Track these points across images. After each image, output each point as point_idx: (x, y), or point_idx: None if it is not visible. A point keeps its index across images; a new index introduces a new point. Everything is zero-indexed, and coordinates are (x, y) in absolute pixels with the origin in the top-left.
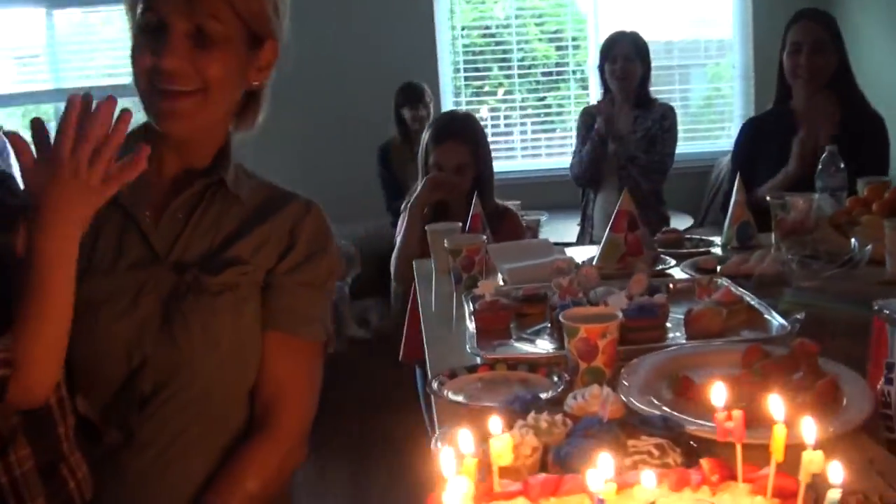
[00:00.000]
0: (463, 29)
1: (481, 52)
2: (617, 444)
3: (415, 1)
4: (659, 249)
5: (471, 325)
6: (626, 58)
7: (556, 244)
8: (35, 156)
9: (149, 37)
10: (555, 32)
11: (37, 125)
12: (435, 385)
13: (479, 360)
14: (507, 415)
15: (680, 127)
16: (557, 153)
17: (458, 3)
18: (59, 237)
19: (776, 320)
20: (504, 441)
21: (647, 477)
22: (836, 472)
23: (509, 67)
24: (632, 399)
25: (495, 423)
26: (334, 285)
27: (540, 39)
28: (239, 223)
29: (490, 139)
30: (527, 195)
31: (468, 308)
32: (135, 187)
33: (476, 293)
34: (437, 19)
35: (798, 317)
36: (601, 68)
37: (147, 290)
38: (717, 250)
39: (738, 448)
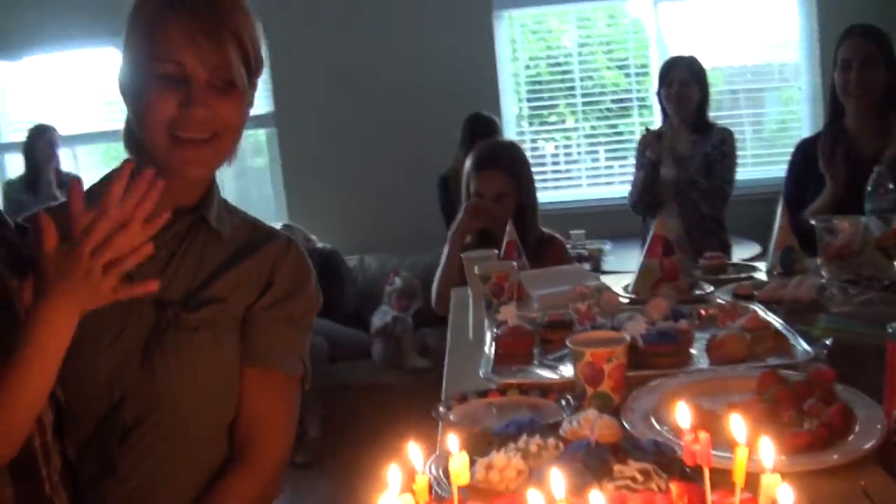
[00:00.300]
0: (530, 59)
1: (546, 82)
2: (603, 469)
3: (477, 32)
4: (702, 275)
5: (489, 350)
6: (681, 82)
7: (615, 272)
8: (56, 244)
9: (168, 85)
10: (623, 60)
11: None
12: (441, 409)
13: (493, 385)
14: (502, 438)
15: (753, 152)
16: (624, 181)
17: (521, 34)
18: (56, 321)
19: (801, 346)
20: (462, 460)
21: (595, 498)
22: (786, 497)
23: (573, 96)
24: (629, 423)
25: (452, 441)
26: (312, 321)
27: (608, 67)
28: (220, 261)
29: (554, 168)
30: (592, 224)
31: (490, 334)
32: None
33: (499, 319)
34: (498, 50)
35: (826, 342)
36: (659, 93)
37: (130, 327)
38: (762, 276)
39: (706, 472)
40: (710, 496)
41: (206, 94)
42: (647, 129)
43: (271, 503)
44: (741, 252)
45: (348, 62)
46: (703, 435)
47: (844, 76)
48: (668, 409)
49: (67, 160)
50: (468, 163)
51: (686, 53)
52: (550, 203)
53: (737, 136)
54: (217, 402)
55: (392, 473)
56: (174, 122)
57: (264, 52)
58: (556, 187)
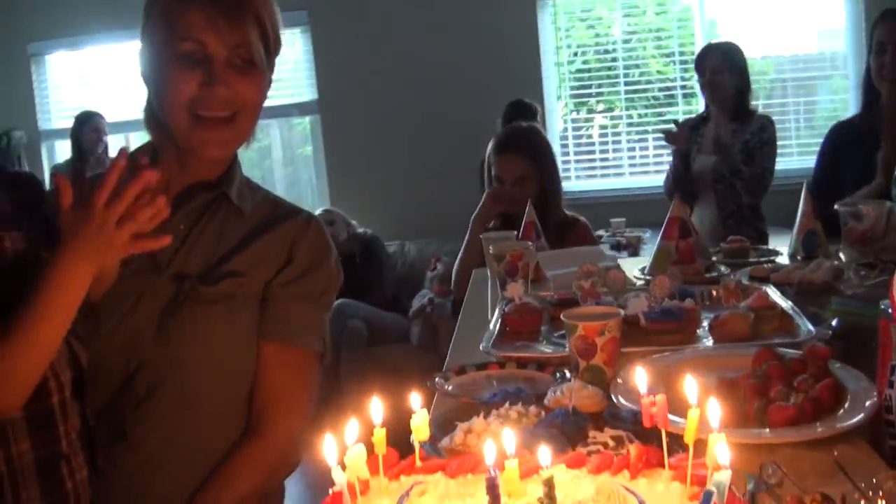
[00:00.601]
0: (578, 47)
1: (593, 70)
2: (579, 435)
3: (521, 19)
4: (723, 259)
5: (493, 326)
6: (713, 70)
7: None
8: (73, 199)
9: (189, 65)
10: (670, 49)
11: (75, 176)
12: (438, 379)
13: (493, 358)
14: (487, 406)
15: (799, 141)
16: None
17: (568, 21)
18: (69, 274)
19: (805, 326)
20: (422, 417)
21: (543, 453)
22: (724, 453)
23: (615, 84)
24: (615, 395)
25: (415, 399)
26: (331, 299)
27: (654, 56)
28: (240, 237)
29: (601, 157)
30: (634, 212)
31: (499, 310)
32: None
33: (505, 296)
34: (543, 38)
35: (832, 323)
36: (699, 82)
37: (146, 298)
38: (785, 260)
39: (664, 434)
40: (667, 458)
41: (228, 72)
42: (676, 122)
43: (284, 479)
44: (779, 242)
45: (391, 50)
46: (660, 397)
47: (879, 59)
48: (659, 384)
49: (121, 146)
50: (490, 147)
51: (727, 40)
52: (594, 191)
53: (786, 125)
54: (231, 376)
55: (350, 425)
56: (195, 101)
57: (307, 40)
58: (603, 175)
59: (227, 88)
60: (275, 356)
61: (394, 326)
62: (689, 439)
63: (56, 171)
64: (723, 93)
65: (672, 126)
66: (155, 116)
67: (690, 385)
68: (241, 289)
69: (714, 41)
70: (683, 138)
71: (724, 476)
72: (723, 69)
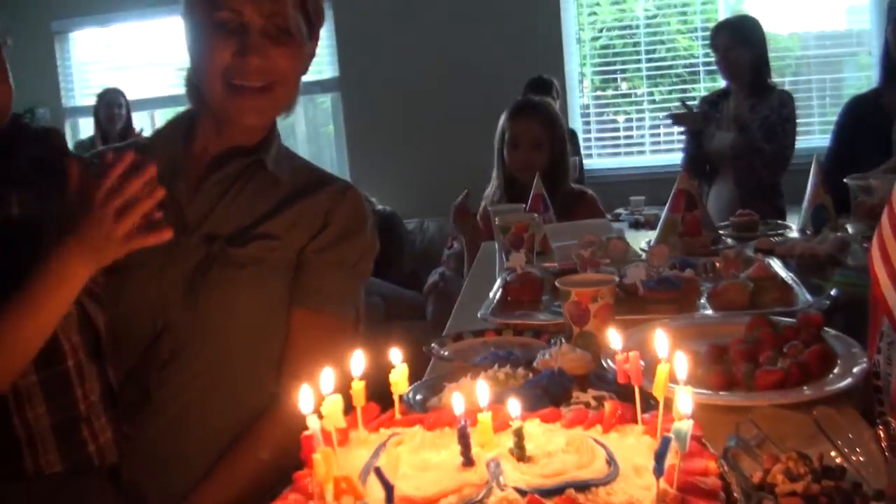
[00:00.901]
0: (602, 24)
1: (616, 48)
2: (563, 395)
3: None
4: (732, 232)
5: (493, 295)
6: (725, 47)
7: None
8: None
9: (224, 34)
10: (693, 25)
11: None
12: (434, 345)
13: (491, 325)
14: (477, 368)
15: (829, 118)
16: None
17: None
18: (62, 279)
19: (804, 296)
20: (401, 372)
21: (513, 405)
22: (685, 403)
23: (638, 62)
24: (605, 359)
25: (395, 354)
26: (366, 268)
27: (680, 32)
28: (275, 202)
29: (621, 133)
30: (655, 190)
31: (501, 280)
32: (175, 161)
33: (507, 266)
34: (565, 17)
35: (832, 293)
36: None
37: (175, 260)
38: (794, 234)
39: (637, 390)
40: (640, 413)
41: (262, 42)
42: (683, 102)
43: None
44: (797, 219)
45: (413, 28)
46: (633, 354)
47: None
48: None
49: (145, 122)
50: (502, 117)
51: (744, 14)
52: (615, 168)
53: (810, 102)
54: (259, 341)
55: (325, 376)
56: (229, 69)
57: (329, 18)
58: (626, 153)
59: (261, 58)
60: (305, 323)
61: (411, 303)
62: (657, 393)
63: (78, 147)
64: (737, 69)
65: (679, 105)
66: (194, 85)
67: (661, 340)
68: (273, 253)
69: (728, 17)
70: (690, 118)
71: (685, 425)
72: (734, 45)
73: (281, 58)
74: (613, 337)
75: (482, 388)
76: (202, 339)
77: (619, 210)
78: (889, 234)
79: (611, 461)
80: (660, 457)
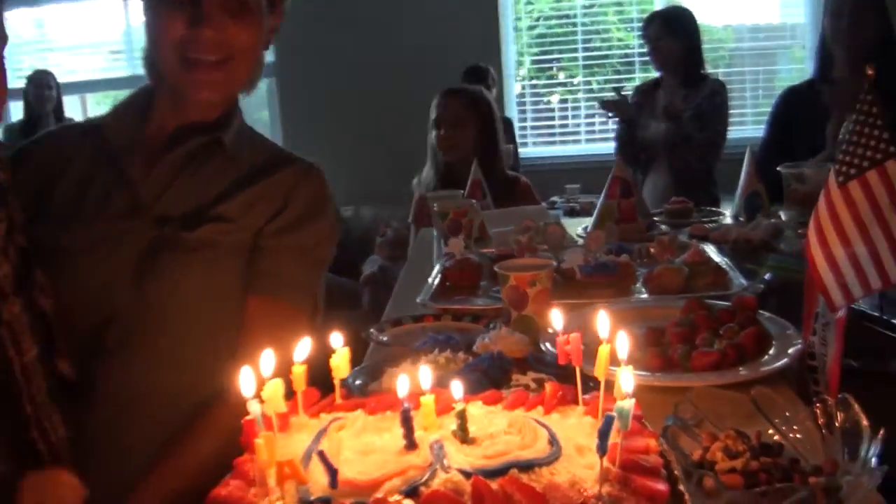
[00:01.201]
0: (538, 13)
1: (553, 36)
2: (503, 378)
3: None
4: (666, 219)
5: (432, 280)
6: (655, 37)
7: None
8: None
9: (178, 6)
10: (630, 16)
11: None
12: (373, 331)
13: (430, 311)
14: (417, 352)
15: (761, 110)
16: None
17: None
18: None
19: (738, 280)
20: (342, 356)
21: (456, 387)
22: (627, 382)
23: (575, 51)
24: (544, 343)
25: (336, 338)
26: (326, 255)
27: (615, 24)
28: (232, 182)
29: (556, 122)
30: (591, 179)
31: (439, 266)
32: (131, 138)
33: (446, 251)
34: (502, 4)
35: (765, 277)
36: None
37: (125, 242)
38: (728, 221)
39: (578, 371)
40: (581, 394)
41: (218, 14)
42: (617, 91)
43: None
44: (731, 206)
45: (349, 15)
46: (574, 336)
47: (835, 23)
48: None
49: (76, 106)
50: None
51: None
52: (550, 157)
53: (743, 94)
54: (211, 331)
55: (266, 359)
56: (183, 42)
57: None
58: (561, 142)
59: (215, 31)
60: (259, 311)
61: (346, 291)
62: (599, 373)
63: (7, 131)
64: (668, 59)
65: (613, 95)
66: (151, 61)
67: (602, 321)
68: (227, 236)
69: (661, 8)
70: (621, 106)
71: (628, 404)
72: (663, 36)
73: (238, 31)
74: (556, 317)
75: (425, 372)
76: (150, 328)
77: (555, 198)
78: (826, 217)
79: (553, 441)
80: (603, 435)
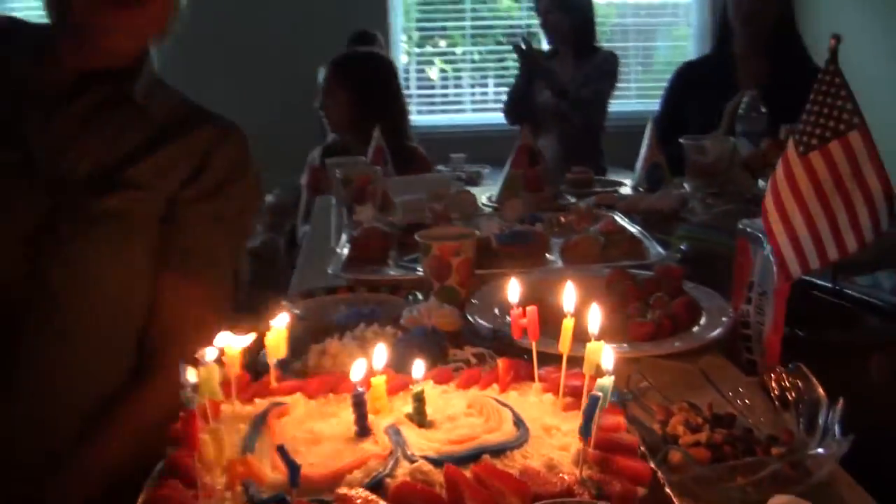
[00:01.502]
0: None
1: (438, 4)
2: (439, 353)
3: None
4: (568, 188)
5: (341, 250)
6: (546, 10)
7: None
8: None
9: None
10: None
11: None
12: (283, 303)
13: (343, 282)
14: (342, 328)
15: (643, 84)
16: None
17: None
18: None
19: (655, 249)
20: (278, 335)
21: (417, 367)
22: (608, 358)
23: (462, 20)
24: (472, 315)
25: (280, 318)
26: (247, 225)
27: None
28: (143, 141)
29: (438, 91)
30: (475, 148)
31: (346, 235)
32: (24, 83)
33: (355, 219)
34: None
35: (682, 247)
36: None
37: (15, 210)
38: (628, 191)
39: (534, 346)
40: (536, 369)
41: None
42: (524, 39)
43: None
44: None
45: None
46: (531, 308)
47: None
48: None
49: None
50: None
51: None
52: (435, 126)
53: (627, 69)
54: (119, 311)
55: (211, 347)
56: None
57: None
58: (444, 111)
59: None
60: (174, 289)
61: None
62: (563, 348)
63: None
64: (558, 32)
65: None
66: None
67: (568, 294)
68: (139, 205)
69: None
70: (530, 58)
71: (608, 381)
72: (554, 9)
73: None
74: (512, 289)
75: (380, 352)
76: (48, 313)
77: (440, 167)
78: (785, 187)
79: (518, 422)
80: (588, 417)
